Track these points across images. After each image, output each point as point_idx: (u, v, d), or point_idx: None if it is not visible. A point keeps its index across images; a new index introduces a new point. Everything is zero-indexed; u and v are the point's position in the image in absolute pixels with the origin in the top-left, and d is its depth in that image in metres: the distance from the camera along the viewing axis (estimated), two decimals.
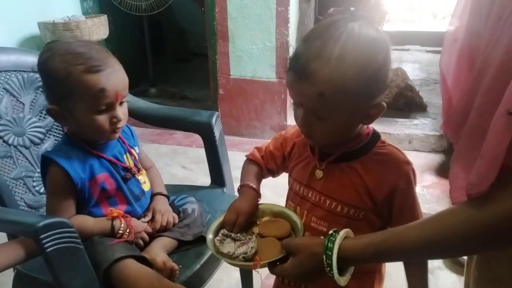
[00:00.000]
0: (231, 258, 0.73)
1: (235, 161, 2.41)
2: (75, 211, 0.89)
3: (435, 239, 0.55)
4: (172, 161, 2.46)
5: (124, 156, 0.97)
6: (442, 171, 2.24)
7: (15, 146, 1.10)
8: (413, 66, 4.01)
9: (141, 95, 3.07)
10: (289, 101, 2.59)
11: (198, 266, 0.96)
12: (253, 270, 1.10)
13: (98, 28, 2.30)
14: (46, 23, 2.21)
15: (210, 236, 0.79)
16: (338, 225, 0.69)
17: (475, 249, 0.57)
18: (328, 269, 0.63)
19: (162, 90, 3.22)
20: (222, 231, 0.79)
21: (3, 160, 1.07)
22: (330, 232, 0.65)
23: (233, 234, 0.77)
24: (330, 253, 0.62)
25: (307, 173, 0.78)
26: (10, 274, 0.96)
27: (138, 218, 0.96)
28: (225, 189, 1.25)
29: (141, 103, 1.31)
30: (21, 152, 1.11)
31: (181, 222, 1.02)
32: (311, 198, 0.77)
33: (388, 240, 0.60)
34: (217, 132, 1.22)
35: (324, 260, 0.63)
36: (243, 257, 0.73)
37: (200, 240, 1.02)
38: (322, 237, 0.67)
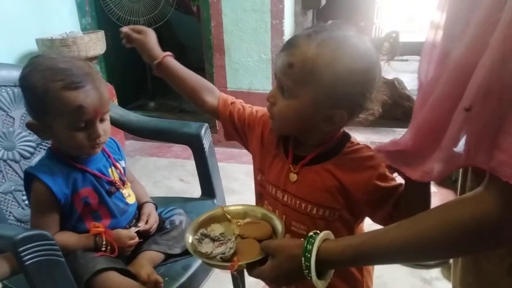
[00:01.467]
0: (209, 258, 0.72)
1: (232, 173, 2.44)
2: (59, 228, 0.89)
3: (413, 242, 0.54)
4: (170, 174, 2.46)
5: (109, 170, 0.96)
6: (440, 180, 2.22)
7: (4, 160, 1.11)
8: (412, 76, 4.00)
9: (140, 109, 3.09)
10: None
11: (184, 278, 0.95)
12: (240, 274, 1.09)
13: (95, 43, 2.33)
14: (44, 40, 2.24)
15: (187, 234, 0.77)
16: (316, 228, 0.69)
17: (455, 252, 0.56)
18: (307, 271, 0.62)
19: (161, 104, 3.24)
20: (201, 231, 0.77)
21: None
22: (310, 234, 0.64)
23: (211, 234, 0.76)
24: (308, 256, 0.61)
25: (282, 176, 0.78)
26: None
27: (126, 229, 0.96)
28: (215, 200, 1.25)
29: (132, 116, 1.31)
30: (10, 166, 1.12)
31: (169, 234, 1.01)
32: (287, 201, 0.77)
33: (366, 243, 0.59)
34: (206, 143, 1.22)
35: (303, 262, 0.62)
36: (220, 258, 0.71)
37: (188, 252, 1.01)
38: (302, 239, 0.66)
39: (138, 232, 0.96)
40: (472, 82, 0.45)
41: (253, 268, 0.69)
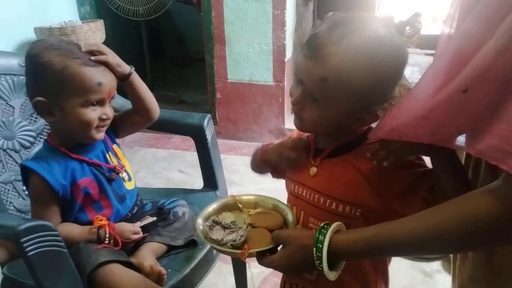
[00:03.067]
0: (219, 244, 0.72)
1: (232, 165, 2.43)
2: (60, 219, 0.88)
3: (430, 234, 0.53)
4: (169, 165, 2.45)
5: (107, 156, 0.95)
6: None
7: (4, 150, 1.09)
8: (412, 69, 3.97)
9: None
10: (287, 104, 2.57)
11: (188, 270, 0.95)
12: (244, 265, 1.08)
13: (94, 33, 2.30)
14: (42, 28, 2.21)
15: (199, 220, 0.77)
16: None
17: (472, 245, 0.54)
18: (318, 262, 0.61)
19: (160, 95, 3.21)
20: (212, 218, 0.77)
21: None
22: (322, 224, 0.63)
23: (223, 222, 0.76)
24: (320, 246, 0.60)
25: (302, 171, 0.76)
26: None
27: (125, 220, 0.95)
28: (217, 192, 1.24)
29: None
30: (10, 156, 1.10)
31: (172, 225, 1.00)
32: (305, 196, 0.75)
33: (380, 234, 0.58)
34: (209, 134, 1.20)
35: (314, 252, 0.61)
36: (231, 245, 0.71)
37: (191, 243, 1.01)
38: (314, 230, 0.65)
39: (143, 226, 0.95)
40: (472, 64, 0.46)
41: (264, 257, 0.69)
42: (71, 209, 0.89)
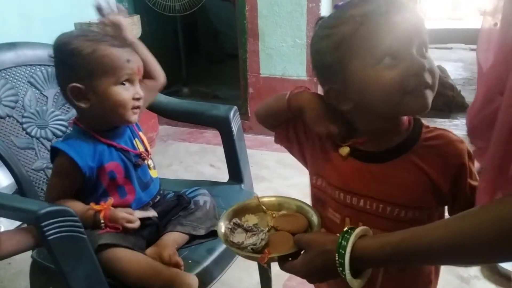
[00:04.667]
0: (239, 248, 0.69)
1: (263, 160, 2.42)
2: (70, 195, 0.90)
3: (461, 240, 0.48)
4: (201, 159, 2.47)
5: (134, 142, 0.97)
6: None
7: (37, 138, 1.13)
8: (456, 65, 3.81)
9: (174, 94, 3.10)
10: None
11: (208, 262, 0.94)
12: (268, 267, 1.05)
13: (131, 27, 2.34)
14: (82, 24, 2.28)
15: (221, 223, 0.74)
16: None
17: (507, 255, 0.49)
18: (341, 269, 0.57)
19: (194, 90, 3.25)
20: (234, 220, 0.74)
21: (26, 152, 1.09)
22: (345, 229, 0.58)
23: (245, 224, 0.73)
24: (343, 252, 0.56)
25: (354, 176, 0.67)
26: (28, 261, 0.98)
27: (146, 206, 0.96)
28: (243, 185, 1.22)
29: (162, 98, 1.30)
30: (43, 144, 1.14)
31: (193, 215, 1.00)
32: (365, 207, 0.67)
33: (407, 240, 0.53)
34: (234, 126, 1.19)
35: (337, 259, 0.57)
36: (251, 249, 0.68)
37: (213, 234, 1.00)
38: (337, 234, 0.60)
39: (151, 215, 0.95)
40: None
41: (285, 261, 0.65)
42: (95, 191, 0.90)
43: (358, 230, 0.58)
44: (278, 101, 0.72)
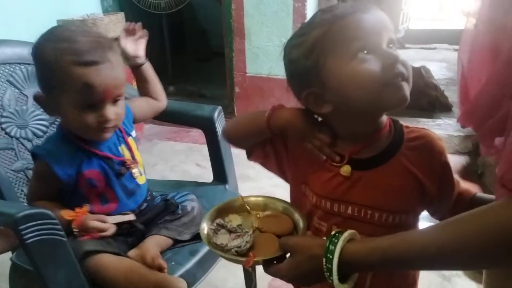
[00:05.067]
0: (223, 250, 0.67)
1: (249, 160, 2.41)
2: (49, 198, 0.88)
3: (453, 246, 0.48)
4: (186, 159, 2.45)
5: (120, 148, 0.94)
6: (466, 173, 2.13)
7: (17, 138, 1.10)
8: (440, 65, 3.86)
9: None
10: None
11: (191, 264, 0.93)
12: (253, 270, 1.05)
13: (115, 25, 2.32)
14: (65, 20, 2.25)
15: (203, 224, 0.72)
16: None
17: (496, 260, 0.49)
18: (328, 274, 0.56)
19: (181, 89, 3.23)
20: (217, 221, 0.72)
21: (5, 152, 1.07)
22: (333, 232, 0.58)
23: (228, 225, 0.71)
24: (330, 257, 0.55)
25: (340, 186, 0.66)
26: (8, 264, 0.96)
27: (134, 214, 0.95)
28: (227, 186, 1.22)
29: None
30: (23, 145, 1.11)
31: (180, 220, 0.99)
32: (354, 214, 0.66)
33: (397, 245, 0.53)
34: (219, 127, 1.18)
35: (324, 264, 0.56)
36: (236, 251, 0.66)
37: (197, 237, 0.99)
38: (324, 238, 0.60)
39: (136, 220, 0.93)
40: None
41: (270, 265, 0.64)
42: (73, 196, 0.88)
43: (346, 234, 0.57)
44: (253, 121, 0.71)
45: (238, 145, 0.77)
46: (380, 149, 0.65)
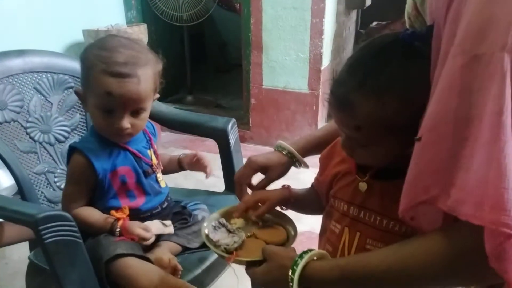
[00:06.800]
0: (215, 245, 0.76)
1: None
2: (86, 200, 0.92)
3: (397, 267, 0.53)
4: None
5: (148, 152, 0.99)
6: None
7: (40, 143, 1.16)
8: None
9: (178, 102, 3.16)
10: (321, 113, 2.55)
11: (199, 270, 0.96)
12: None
13: (138, 36, 2.39)
14: (90, 31, 2.34)
15: (205, 223, 0.82)
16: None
17: (436, 283, 0.53)
18: (291, 284, 0.62)
19: (198, 98, 3.30)
20: (221, 220, 0.82)
21: (28, 155, 1.13)
22: (306, 249, 0.65)
23: (228, 226, 0.80)
24: (296, 268, 0.62)
25: (358, 192, 0.72)
26: (25, 263, 1.01)
27: (154, 211, 0.98)
28: None
29: (163, 108, 1.34)
30: (45, 149, 1.17)
31: (190, 228, 1.03)
32: (365, 218, 0.72)
33: (353, 264, 0.59)
34: (232, 139, 1.22)
35: (289, 274, 0.62)
36: (224, 248, 0.75)
37: (206, 246, 1.02)
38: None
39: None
40: (427, 112, 0.47)
41: (250, 267, 0.72)
42: (105, 194, 0.92)
43: (314, 251, 0.64)
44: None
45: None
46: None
